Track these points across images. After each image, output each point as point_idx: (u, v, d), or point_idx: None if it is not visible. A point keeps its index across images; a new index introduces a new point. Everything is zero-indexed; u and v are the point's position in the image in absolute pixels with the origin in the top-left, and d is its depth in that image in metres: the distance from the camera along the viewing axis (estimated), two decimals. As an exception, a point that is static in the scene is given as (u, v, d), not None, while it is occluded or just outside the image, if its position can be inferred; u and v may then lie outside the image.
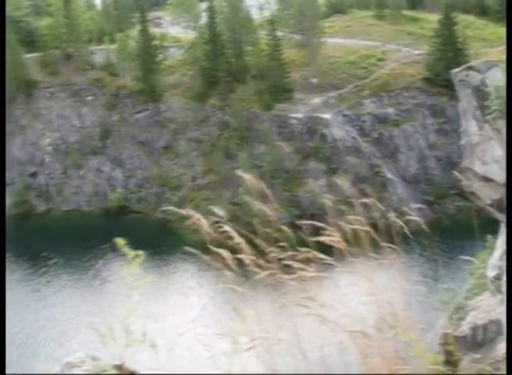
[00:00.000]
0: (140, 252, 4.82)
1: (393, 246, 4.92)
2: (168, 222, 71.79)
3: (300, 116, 74.28)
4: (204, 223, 4.81)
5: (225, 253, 4.78)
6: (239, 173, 5.27)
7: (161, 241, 67.62)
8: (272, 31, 78.31)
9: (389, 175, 71.51)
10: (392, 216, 5.16)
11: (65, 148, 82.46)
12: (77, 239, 71.23)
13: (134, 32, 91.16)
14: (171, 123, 79.19)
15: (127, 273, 4.68)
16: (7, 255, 68.84)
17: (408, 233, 5.07)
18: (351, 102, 75.58)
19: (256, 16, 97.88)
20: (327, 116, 73.83)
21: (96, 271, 62.97)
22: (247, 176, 5.29)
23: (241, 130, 74.66)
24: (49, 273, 63.87)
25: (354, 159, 71.79)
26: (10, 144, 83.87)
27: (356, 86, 77.23)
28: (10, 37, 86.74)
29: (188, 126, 78.07)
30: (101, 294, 58.63)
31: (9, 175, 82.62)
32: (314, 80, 79.00)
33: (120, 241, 4.71)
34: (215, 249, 4.54)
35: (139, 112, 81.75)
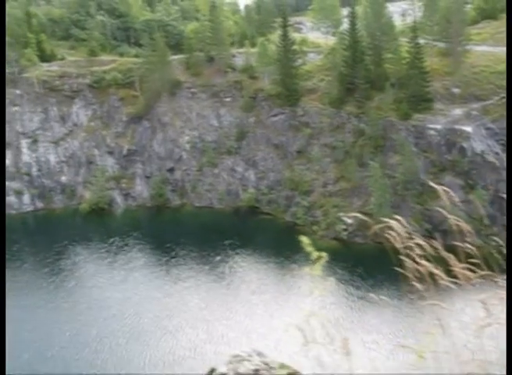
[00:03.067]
0: (323, 254, 4.71)
1: None
2: (296, 225, 72.25)
3: (438, 127, 71.46)
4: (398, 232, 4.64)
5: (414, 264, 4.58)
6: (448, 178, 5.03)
7: (288, 244, 68.04)
8: (413, 38, 76.07)
9: (533, 194, 66.79)
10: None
11: (202, 147, 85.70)
12: (205, 234, 73.88)
13: (275, 36, 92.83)
14: (306, 127, 79.54)
15: (309, 273, 4.60)
16: (138, 242, 73.09)
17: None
18: (496, 115, 71.40)
19: (398, 22, 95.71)
20: (468, 128, 70.37)
21: (213, 266, 64.79)
22: (438, 187, 5.06)
23: (376, 138, 73.25)
24: (170, 263, 66.88)
25: (495, 176, 67.84)
26: (152, 140, 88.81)
27: (503, 97, 72.91)
28: (159, 39, 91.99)
29: (323, 131, 77.97)
30: (213, 289, 60.21)
31: (149, 169, 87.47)
32: (457, 91, 75.67)
33: (304, 240, 4.64)
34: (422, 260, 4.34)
35: (275, 115, 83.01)
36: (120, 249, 71.27)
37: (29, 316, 56.64)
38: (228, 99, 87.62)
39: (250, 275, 62.02)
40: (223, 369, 5.56)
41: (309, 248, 4.72)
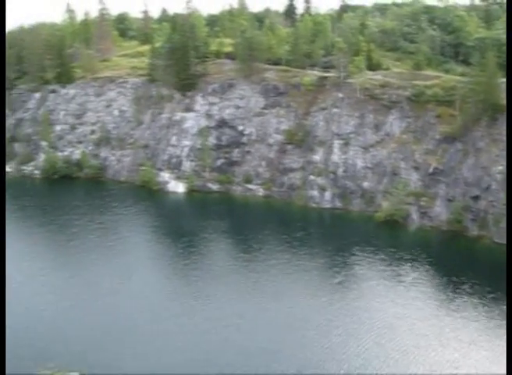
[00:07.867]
0: None
1: None
2: None
3: None
4: None
5: None
6: None
7: None
8: None
9: None
10: None
11: None
12: (491, 273, 68.23)
13: None
14: None
15: None
16: (421, 262, 71.92)
17: None
18: None
19: None
20: None
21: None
22: None
23: None
24: (440, 286, 65.19)
25: None
26: (461, 163, 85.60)
27: None
28: (491, 59, 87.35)
29: None
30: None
31: (453, 192, 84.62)
32: None
33: None
34: None
35: None
36: (401, 262, 71.76)
37: (286, 304, 61.30)
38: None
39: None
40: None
41: None
